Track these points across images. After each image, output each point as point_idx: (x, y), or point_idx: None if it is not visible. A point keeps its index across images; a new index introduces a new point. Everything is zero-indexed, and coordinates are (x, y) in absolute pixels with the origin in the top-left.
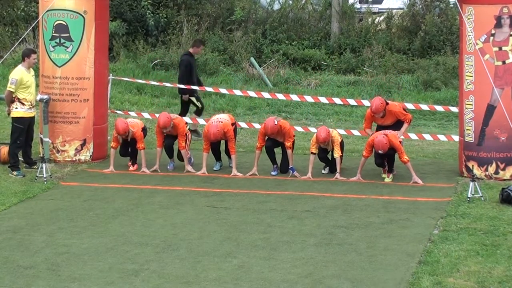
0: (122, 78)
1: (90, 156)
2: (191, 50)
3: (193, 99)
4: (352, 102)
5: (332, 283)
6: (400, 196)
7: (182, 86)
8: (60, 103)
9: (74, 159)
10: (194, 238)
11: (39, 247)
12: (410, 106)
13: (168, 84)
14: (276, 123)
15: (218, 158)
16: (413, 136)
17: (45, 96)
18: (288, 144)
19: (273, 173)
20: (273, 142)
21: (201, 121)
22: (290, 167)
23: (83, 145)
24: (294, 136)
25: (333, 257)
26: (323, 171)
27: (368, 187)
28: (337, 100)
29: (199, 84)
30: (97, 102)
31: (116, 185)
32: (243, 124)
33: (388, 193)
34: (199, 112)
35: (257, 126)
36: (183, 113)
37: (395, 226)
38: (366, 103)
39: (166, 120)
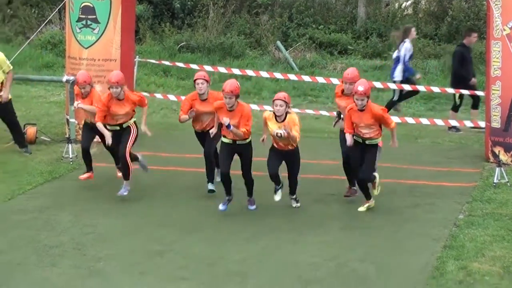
0: (148, 60)
1: None
2: (464, 40)
3: (457, 95)
4: (378, 85)
5: (357, 266)
6: (425, 181)
7: (451, 90)
8: None
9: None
10: (218, 220)
11: (65, 227)
12: (436, 90)
13: (194, 66)
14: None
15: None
16: (439, 122)
17: (71, 77)
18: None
19: None
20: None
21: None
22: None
23: None
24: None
25: (358, 241)
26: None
27: (393, 171)
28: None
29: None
30: None
31: None
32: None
33: (413, 178)
34: (456, 109)
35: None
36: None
37: (420, 210)
38: (392, 86)
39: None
